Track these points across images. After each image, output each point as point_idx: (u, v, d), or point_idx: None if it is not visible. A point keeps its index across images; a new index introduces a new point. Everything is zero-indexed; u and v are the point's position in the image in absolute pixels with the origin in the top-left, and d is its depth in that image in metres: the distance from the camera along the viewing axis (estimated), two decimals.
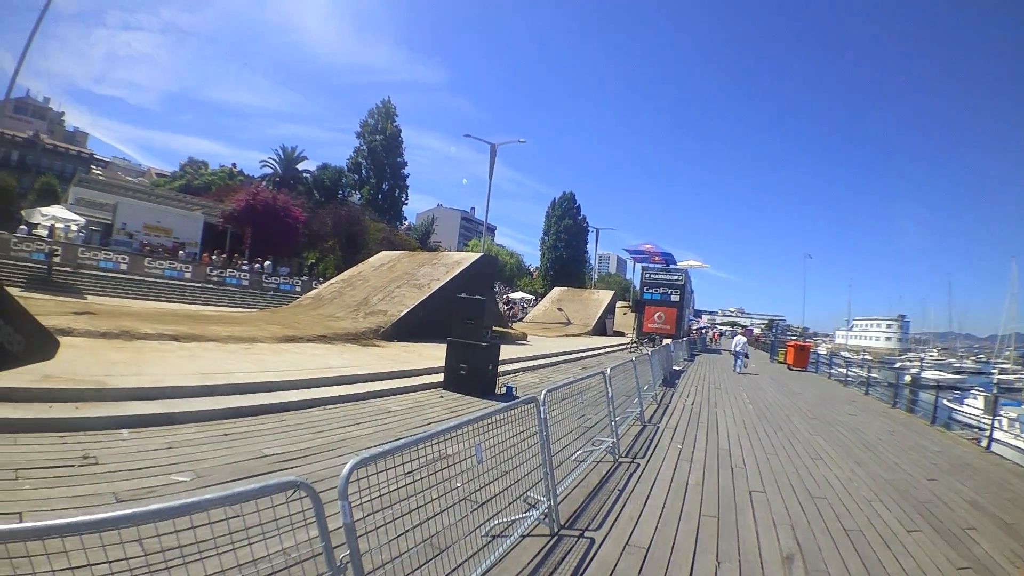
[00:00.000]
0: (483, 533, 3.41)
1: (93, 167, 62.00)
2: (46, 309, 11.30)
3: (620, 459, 5.98)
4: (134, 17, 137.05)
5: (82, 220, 29.57)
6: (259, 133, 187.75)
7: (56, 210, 29.18)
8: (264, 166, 57.49)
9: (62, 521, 1.42)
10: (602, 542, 3.81)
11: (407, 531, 2.72)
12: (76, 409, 5.07)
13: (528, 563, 3.37)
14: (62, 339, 7.79)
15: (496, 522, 3.58)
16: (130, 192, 40.81)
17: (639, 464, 5.94)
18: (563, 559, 3.50)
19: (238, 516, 1.93)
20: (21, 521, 3.09)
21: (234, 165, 63.31)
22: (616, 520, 4.24)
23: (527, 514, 3.80)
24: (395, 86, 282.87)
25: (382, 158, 58.28)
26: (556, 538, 3.77)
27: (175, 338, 9.40)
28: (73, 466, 4.00)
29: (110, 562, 1.64)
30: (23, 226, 28.20)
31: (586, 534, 3.92)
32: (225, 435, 5.21)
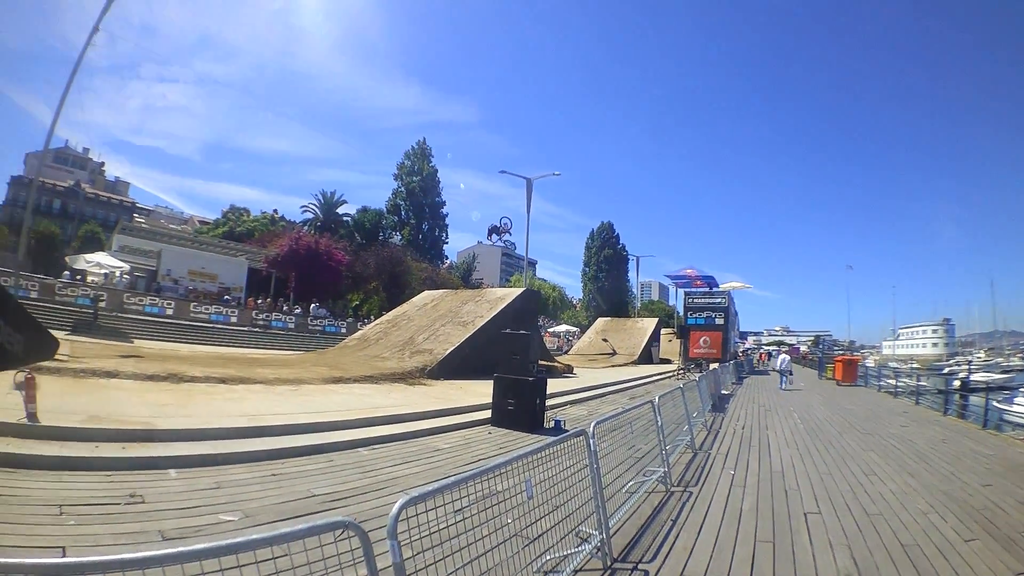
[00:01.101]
0: (535, 569, 3.28)
1: (136, 215, 65.12)
2: (93, 352, 11.73)
3: (672, 488, 5.75)
4: (167, 70, 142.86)
5: (126, 266, 30.82)
6: (298, 179, 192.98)
7: (100, 257, 30.47)
8: (305, 211, 59.25)
9: (106, 558, 1.39)
10: (656, 574, 3.65)
11: (457, 569, 2.62)
12: (123, 449, 5.16)
13: None
14: (109, 381, 8.14)
15: (548, 557, 3.43)
16: (174, 239, 42.68)
17: (691, 492, 5.71)
18: None
19: (285, 555, 1.87)
20: (64, 555, 3.11)
21: (275, 211, 65.57)
22: (670, 551, 4.06)
23: (579, 548, 3.64)
24: (429, 126, 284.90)
25: (420, 199, 59.52)
26: (609, 572, 3.62)
27: (222, 380, 9.56)
28: (119, 504, 4.03)
29: None
30: (67, 272, 29.59)
31: (640, 566, 3.74)
32: (273, 475, 5.21)
